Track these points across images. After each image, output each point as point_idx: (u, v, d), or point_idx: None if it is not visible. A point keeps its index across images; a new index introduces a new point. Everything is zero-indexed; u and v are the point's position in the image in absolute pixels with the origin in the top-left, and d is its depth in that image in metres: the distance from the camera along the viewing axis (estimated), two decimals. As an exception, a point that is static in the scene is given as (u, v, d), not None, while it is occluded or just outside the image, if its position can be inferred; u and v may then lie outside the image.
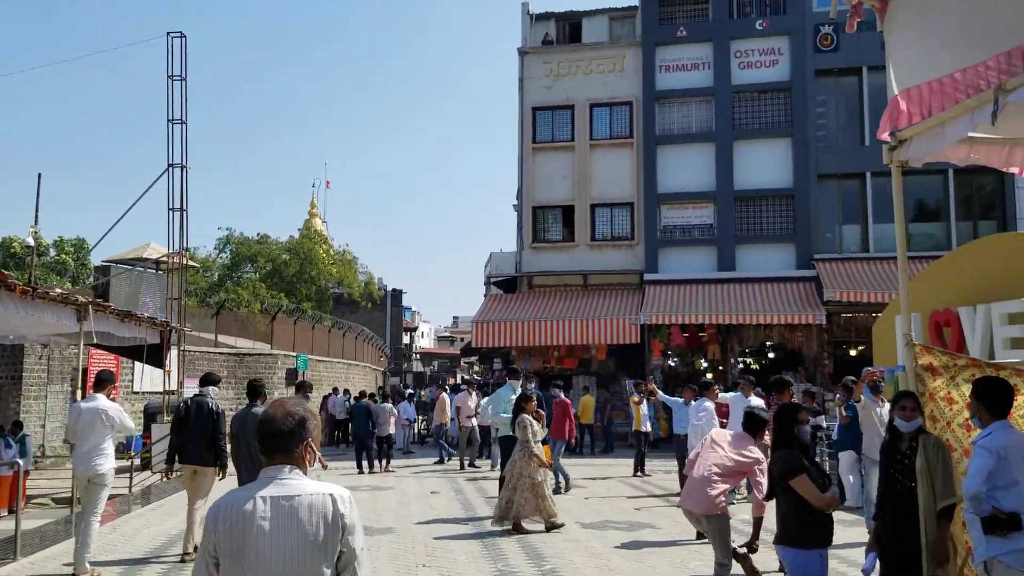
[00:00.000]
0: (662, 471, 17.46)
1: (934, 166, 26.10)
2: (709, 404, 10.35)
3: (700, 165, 27.16)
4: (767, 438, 7.53)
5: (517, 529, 10.45)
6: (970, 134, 5.97)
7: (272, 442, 2.77)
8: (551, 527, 10.40)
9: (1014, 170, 6.27)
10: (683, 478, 14.44)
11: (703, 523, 6.94)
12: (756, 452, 6.90)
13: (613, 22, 29.52)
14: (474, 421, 18.31)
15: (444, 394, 21.58)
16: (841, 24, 26.46)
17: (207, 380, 10.11)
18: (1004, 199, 25.59)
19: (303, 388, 11.77)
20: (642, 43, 27.93)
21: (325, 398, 26.45)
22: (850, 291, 23.91)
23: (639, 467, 16.93)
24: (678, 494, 14.06)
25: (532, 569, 8.47)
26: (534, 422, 10.72)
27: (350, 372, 35.00)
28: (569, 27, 29.95)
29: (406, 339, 74.37)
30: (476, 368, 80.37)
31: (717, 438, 7.06)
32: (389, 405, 19.02)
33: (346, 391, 25.00)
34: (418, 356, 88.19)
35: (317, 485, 2.76)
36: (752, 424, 6.96)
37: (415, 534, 10.40)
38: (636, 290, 26.95)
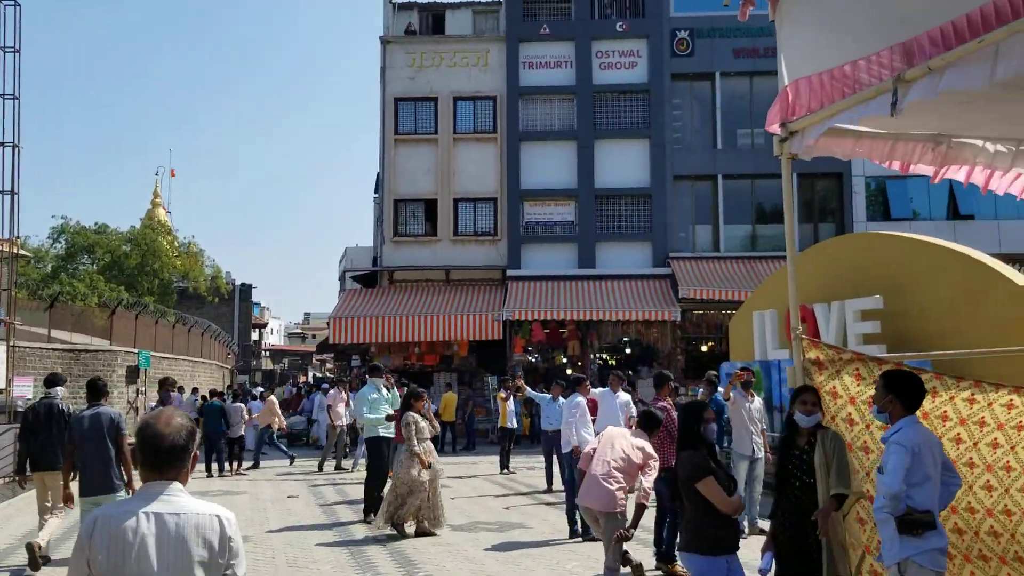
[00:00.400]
0: (526, 468, 17.33)
1: (779, 171, 27.30)
2: (581, 399, 10.20)
3: (562, 163, 27.31)
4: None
5: (420, 533, 10.00)
6: (857, 127, 6.00)
7: (165, 457, 2.65)
8: (422, 533, 9.95)
9: (895, 165, 6.34)
10: (549, 474, 14.41)
11: (600, 522, 6.72)
12: (650, 449, 6.76)
13: (477, 16, 29.27)
14: (344, 421, 17.53)
15: (272, 396, 20.23)
16: (696, 29, 27.33)
17: (53, 381, 9.40)
18: (842, 203, 27.09)
19: (166, 385, 10.68)
20: (506, 38, 27.81)
21: (167, 396, 24.77)
22: (703, 289, 24.65)
23: (505, 464, 16.70)
24: (545, 491, 13.97)
25: (404, 577, 8.01)
26: (419, 419, 10.24)
27: (196, 370, 33.17)
28: (432, 18, 29.46)
29: (255, 336, 71.61)
30: (329, 366, 78.43)
31: (614, 434, 6.85)
32: (241, 405, 17.98)
33: (195, 390, 23.53)
34: (268, 353, 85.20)
35: (202, 504, 2.66)
36: (649, 422, 6.82)
37: (274, 543, 9.70)
38: (499, 286, 26.81)
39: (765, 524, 7.81)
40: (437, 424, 10.41)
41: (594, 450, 6.88)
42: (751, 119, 27.61)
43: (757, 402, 10.49)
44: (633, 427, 14.33)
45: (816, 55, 5.77)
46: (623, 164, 27.25)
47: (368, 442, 11.32)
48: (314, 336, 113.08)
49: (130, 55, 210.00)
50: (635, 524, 6.57)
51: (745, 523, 9.39)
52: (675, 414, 8.40)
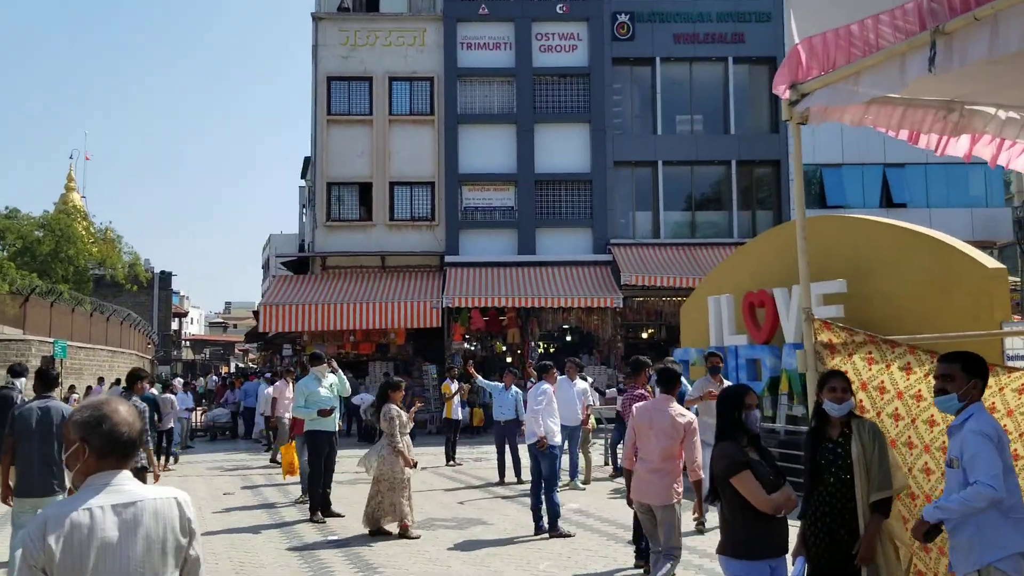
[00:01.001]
0: (471, 459, 16.76)
1: (719, 158, 27.35)
2: (548, 387, 9.63)
3: (502, 146, 26.70)
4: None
5: (375, 532, 9.33)
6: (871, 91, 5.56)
7: (123, 449, 2.54)
8: (404, 534, 9.29)
9: (903, 135, 5.94)
10: (501, 465, 13.85)
11: (656, 514, 6.25)
12: (685, 412, 6.37)
13: (413, -7, 28.36)
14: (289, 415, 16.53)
15: (171, 393, 18.82)
16: (637, 13, 26.99)
17: (17, 371, 8.56)
18: (779, 190, 27.18)
19: (139, 379, 9.33)
20: (443, 18, 27.00)
21: (88, 389, 23.41)
22: (644, 275, 24.40)
23: (451, 456, 16.08)
24: (497, 483, 13.42)
25: (365, 582, 7.35)
26: (402, 413, 9.54)
27: (115, 360, 31.54)
28: (367, -5, 28.44)
29: (175, 325, 69.09)
30: (253, 356, 76.26)
31: (643, 418, 6.29)
32: (170, 396, 16.92)
33: (117, 381, 22.22)
34: (188, 343, 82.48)
35: (156, 489, 2.60)
36: (667, 379, 6.41)
37: (215, 546, 8.89)
38: (436, 272, 26.10)
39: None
40: (411, 419, 9.72)
41: (635, 445, 6.37)
42: (691, 105, 27.48)
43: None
44: (590, 415, 13.97)
45: (829, 10, 5.32)
46: (563, 149, 26.79)
47: (307, 436, 10.57)
48: (235, 326, 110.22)
49: (45, 34, 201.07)
50: (705, 502, 5.80)
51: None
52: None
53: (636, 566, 7.65)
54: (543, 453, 9.29)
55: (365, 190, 26.70)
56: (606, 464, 15.01)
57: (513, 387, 13.95)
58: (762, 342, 12.72)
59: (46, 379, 7.31)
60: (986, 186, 27.38)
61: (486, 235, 26.61)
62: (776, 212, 27.24)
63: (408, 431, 9.56)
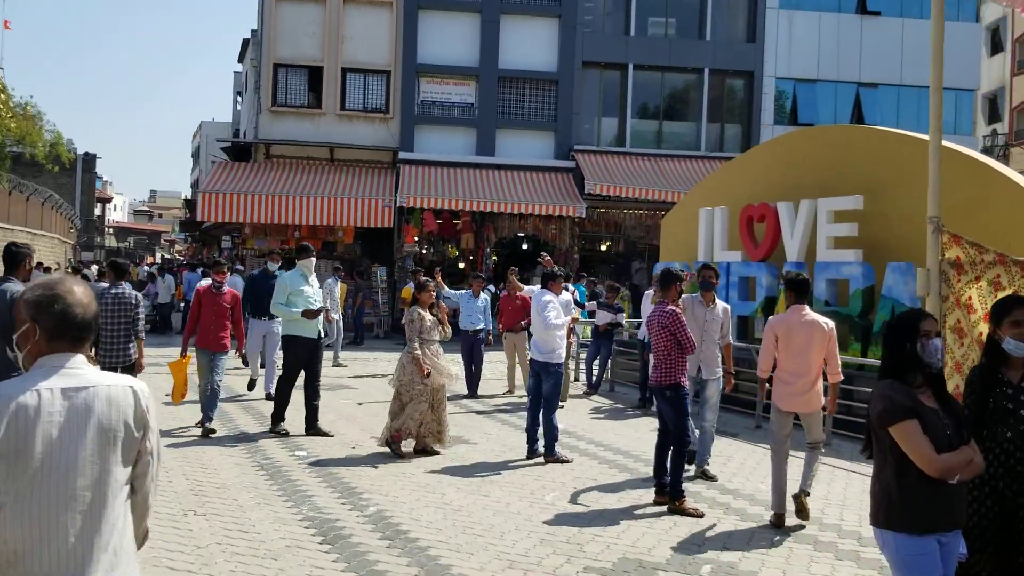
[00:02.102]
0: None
1: (691, 65, 26.12)
2: (552, 297, 8.54)
3: (464, 37, 24.96)
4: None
5: (420, 451, 8.40)
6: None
7: (78, 332, 2.40)
8: (424, 451, 8.40)
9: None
10: (470, 378, 12.92)
11: (805, 420, 6.55)
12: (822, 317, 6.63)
13: None
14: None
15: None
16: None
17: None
18: (751, 104, 26.21)
19: (120, 272, 7.97)
20: None
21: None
22: (609, 185, 23.37)
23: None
24: (467, 396, 12.50)
25: (352, 513, 6.34)
26: (427, 316, 8.45)
27: (36, 243, 29.33)
28: None
29: (98, 211, 65.66)
30: (180, 247, 73.39)
31: (782, 328, 6.52)
32: (103, 284, 15.36)
33: (41, 265, 20.42)
34: (112, 231, 78.91)
35: (111, 376, 2.44)
36: (798, 288, 6.60)
37: (168, 461, 7.74)
38: (389, 169, 24.60)
39: (724, 468, 6.31)
40: (448, 327, 8.65)
41: (776, 356, 6.56)
42: (666, 6, 26.05)
43: (720, 309, 8.03)
44: (573, 329, 13.06)
45: None
46: (530, 44, 25.20)
47: (284, 341, 9.36)
48: (161, 215, 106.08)
49: None
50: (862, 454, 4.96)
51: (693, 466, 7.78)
52: (684, 319, 6.98)
53: (656, 502, 6.82)
54: (548, 371, 8.35)
55: (315, 75, 24.75)
56: (576, 380, 14.26)
57: (482, 294, 12.96)
58: (759, 259, 11.88)
59: (9, 258, 6.07)
60: (956, 113, 26.89)
61: (443, 132, 25.09)
62: (745, 127, 26.33)
63: (437, 339, 8.57)
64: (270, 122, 24.61)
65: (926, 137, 11.01)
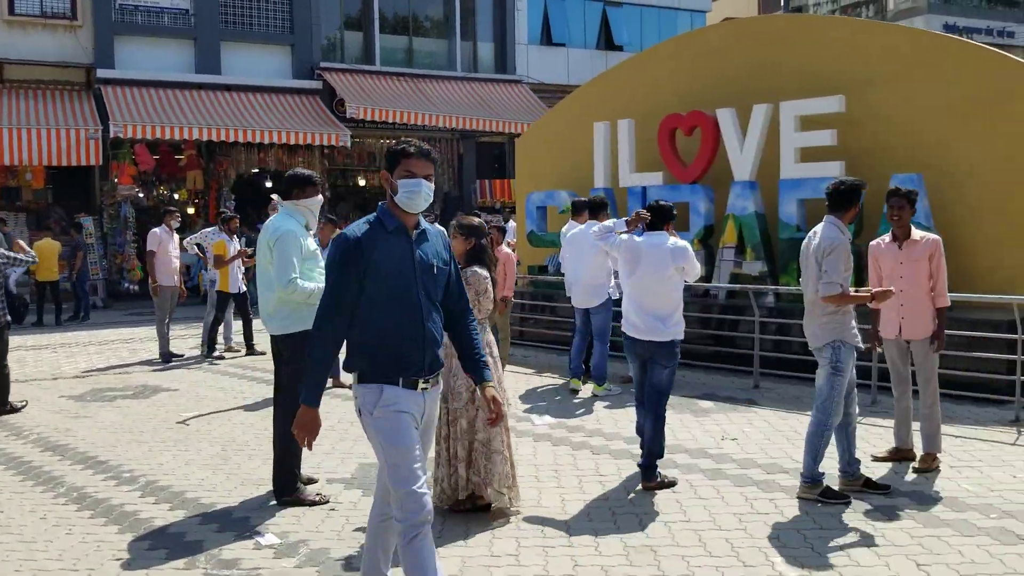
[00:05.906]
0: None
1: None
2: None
3: (172, -76, 20.04)
4: None
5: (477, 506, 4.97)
6: None
7: None
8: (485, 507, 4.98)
9: None
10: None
11: (916, 347, 5.57)
12: None
13: None
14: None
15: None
16: None
17: None
18: (504, 20, 24.22)
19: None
20: None
21: None
22: (372, 107, 20.26)
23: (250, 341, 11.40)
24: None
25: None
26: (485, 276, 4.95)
27: None
28: None
29: None
30: None
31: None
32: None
33: None
34: None
35: None
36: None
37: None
38: (83, 91, 19.27)
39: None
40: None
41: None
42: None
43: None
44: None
45: None
46: (254, -60, 20.93)
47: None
48: None
49: None
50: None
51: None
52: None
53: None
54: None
55: (-36, -34, 18.49)
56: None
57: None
58: (690, 182, 9.77)
59: None
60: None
61: (152, 45, 20.12)
62: (499, 45, 24.31)
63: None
64: (-101, 28, 18.03)
65: (913, 27, 9.46)
